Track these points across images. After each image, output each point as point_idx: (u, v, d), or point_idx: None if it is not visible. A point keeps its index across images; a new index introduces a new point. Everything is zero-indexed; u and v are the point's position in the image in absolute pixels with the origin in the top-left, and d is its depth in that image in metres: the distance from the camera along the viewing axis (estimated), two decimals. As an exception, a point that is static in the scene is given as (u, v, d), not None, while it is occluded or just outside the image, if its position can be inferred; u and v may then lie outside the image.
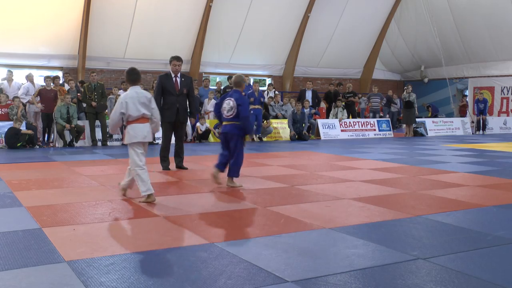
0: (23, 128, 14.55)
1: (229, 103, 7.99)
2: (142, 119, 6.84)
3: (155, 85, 10.12)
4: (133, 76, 7.05)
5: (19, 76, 17.67)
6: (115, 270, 4.01)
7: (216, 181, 8.04)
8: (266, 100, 18.97)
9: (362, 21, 25.26)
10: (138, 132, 6.79)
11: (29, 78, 16.59)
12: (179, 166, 10.03)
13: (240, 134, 7.98)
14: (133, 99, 6.80)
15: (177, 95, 9.73)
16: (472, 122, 23.36)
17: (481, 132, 22.58)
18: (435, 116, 25.23)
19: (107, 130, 15.70)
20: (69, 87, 16.45)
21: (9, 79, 16.68)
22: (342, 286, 3.71)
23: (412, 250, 4.61)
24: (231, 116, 7.96)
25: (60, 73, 19.95)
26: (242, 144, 8.06)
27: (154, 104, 7.00)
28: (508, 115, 24.89)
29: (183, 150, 10.17)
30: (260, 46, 24.09)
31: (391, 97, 22.83)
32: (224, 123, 8.08)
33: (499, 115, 25.14)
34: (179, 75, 9.86)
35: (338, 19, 24.83)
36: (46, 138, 15.80)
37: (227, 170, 8.08)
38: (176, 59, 9.89)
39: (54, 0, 19.02)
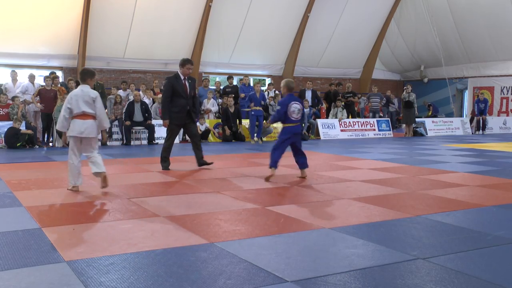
0: (22, 128, 14.55)
1: (296, 107, 8.78)
2: (83, 115, 7.39)
3: (164, 86, 10.07)
4: (81, 76, 7.71)
5: (19, 76, 17.64)
6: (114, 270, 4.00)
7: (270, 179, 8.63)
8: (267, 101, 18.96)
9: (361, 21, 25.26)
10: (76, 127, 7.39)
11: (31, 79, 16.60)
12: (203, 162, 10.04)
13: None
14: (77, 97, 7.41)
15: (187, 98, 9.74)
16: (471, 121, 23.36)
17: (480, 132, 22.58)
18: (435, 116, 25.23)
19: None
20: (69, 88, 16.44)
21: (14, 79, 16.69)
22: (342, 286, 3.71)
23: (412, 250, 4.60)
24: (299, 118, 8.85)
25: (59, 73, 19.97)
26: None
27: (98, 104, 7.48)
28: (507, 115, 24.91)
29: (201, 146, 10.23)
30: (260, 46, 24.09)
31: (389, 97, 22.83)
32: (290, 124, 8.75)
33: (498, 115, 25.15)
34: (186, 77, 9.86)
35: (338, 19, 24.84)
36: (46, 138, 15.80)
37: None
38: (191, 62, 9.99)
39: (53, 0, 19.01)
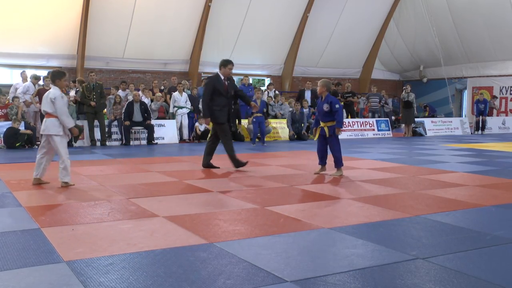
0: (22, 128, 14.54)
1: (327, 107, 9.13)
2: (46, 115, 7.92)
3: (205, 85, 10.13)
4: (50, 77, 8.33)
5: (18, 76, 17.68)
6: (114, 270, 4.00)
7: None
8: (266, 100, 18.94)
9: (361, 21, 25.27)
10: (42, 125, 8.03)
11: (33, 79, 16.62)
12: (210, 165, 10.03)
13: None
14: (44, 98, 8.01)
15: (227, 97, 9.82)
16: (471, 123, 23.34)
17: (480, 132, 22.57)
18: (433, 116, 25.23)
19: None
20: (77, 89, 16.44)
21: (24, 79, 16.79)
22: (341, 286, 3.71)
23: (411, 250, 4.60)
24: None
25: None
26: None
27: (58, 104, 7.82)
28: (507, 115, 24.91)
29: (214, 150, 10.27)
30: (259, 46, 24.10)
31: (383, 97, 22.85)
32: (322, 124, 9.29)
33: (498, 115, 25.15)
34: (226, 77, 9.95)
35: (337, 19, 24.85)
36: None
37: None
38: (232, 63, 10.06)
39: (53, 0, 19.02)
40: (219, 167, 10.07)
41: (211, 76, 10.19)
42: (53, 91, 7.91)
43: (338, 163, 9.31)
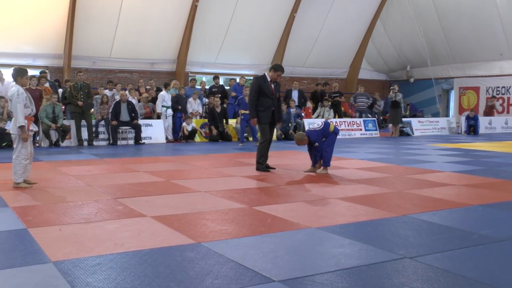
0: (8, 127, 14.43)
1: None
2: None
3: (252, 86, 10.06)
4: (12, 76, 7.90)
5: (5, 76, 17.51)
6: (101, 270, 3.99)
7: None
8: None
9: (348, 21, 25.32)
10: None
11: None
12: (268, 166, 10.01)
13: None
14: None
15: (272, 99, 9.82)
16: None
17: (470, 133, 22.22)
18: (414, 116, 25.33)
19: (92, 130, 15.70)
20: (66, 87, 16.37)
21: (1, 78, 16.61)
22: (329, 285, 3.72)
23: (398, 249, 4.63)
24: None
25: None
26: None
27: (13, 102, 7.60)
28: (493, 115, 25.03)
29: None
30: (246, 46, 24.09)
31: (375, 99, 22.91)
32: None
33: (484, 116, 25.28)
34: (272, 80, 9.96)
35: (324, 19, 24.89)
36: (31, 138, 15.68)
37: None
38: (283, 71, 10.08)
39: (39, -2, 18.92)
40: (275, 168, 10.04)
41: (258, 76, 10.18)
42: (12, 89, 7.72)
43: (326, 163, 9.43)
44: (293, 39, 24.47)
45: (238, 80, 19.98)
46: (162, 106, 17.16)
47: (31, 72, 17.51)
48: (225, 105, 18.11)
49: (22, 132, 7.64)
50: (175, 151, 13.98)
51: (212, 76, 20.48)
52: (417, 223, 5.63)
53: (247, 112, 16.04)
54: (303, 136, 9.46)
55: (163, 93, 17.34)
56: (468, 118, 22.26)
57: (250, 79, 22.75)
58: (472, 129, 21.91)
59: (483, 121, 23.23)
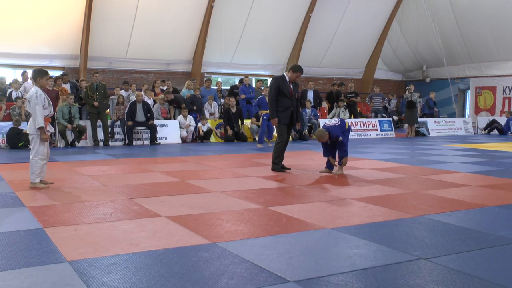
0: (25, 127, 14.55)
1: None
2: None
3: (270, 86, 10.07)
4: (32, 76, 8.03)
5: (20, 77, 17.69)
6: (116, 270, 4.01)
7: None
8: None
9: (363, 21, 25.24)
10: None
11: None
12: (284, 167, 10.02)
13: None
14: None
15: (291, 99, 9.83)
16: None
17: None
18: (424, 115, 25.23)
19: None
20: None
21: (29, 78, 16.81)
22: (344, 286, 3.71)
23: (414, 250, 4.60)
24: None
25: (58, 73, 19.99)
26: None
27: (31, 103, 7.63)
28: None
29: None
30: (262, 46, 24.09)
31: (385, 97, 22.82)
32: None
33: (501, 115, 25.08)
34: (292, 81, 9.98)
35: (340, 19, 24.82)
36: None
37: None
38: (302, 72, 10.03)
39: (56, 0, 19.04)
40: (290, 168, 10.05)
41: (277, 76, 10.15)
42: (31, 91, 7.73)
43: (347, 153, 9.62)
44: (309, 39, 24.43)
45: (237, 82, 19.92)
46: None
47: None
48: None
49: (41, 133, 7.66)
50: (191, 151, 14.00)
51: (227, 76, 20.44)
52: (433, 224, 5.59)
53: (268, 112, 16.02)
54: (324, 132, 9.39)
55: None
56: (511, 120, 22.20)
57: (258, 79, 22.70)
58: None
59: (498, 121, 23.05)
